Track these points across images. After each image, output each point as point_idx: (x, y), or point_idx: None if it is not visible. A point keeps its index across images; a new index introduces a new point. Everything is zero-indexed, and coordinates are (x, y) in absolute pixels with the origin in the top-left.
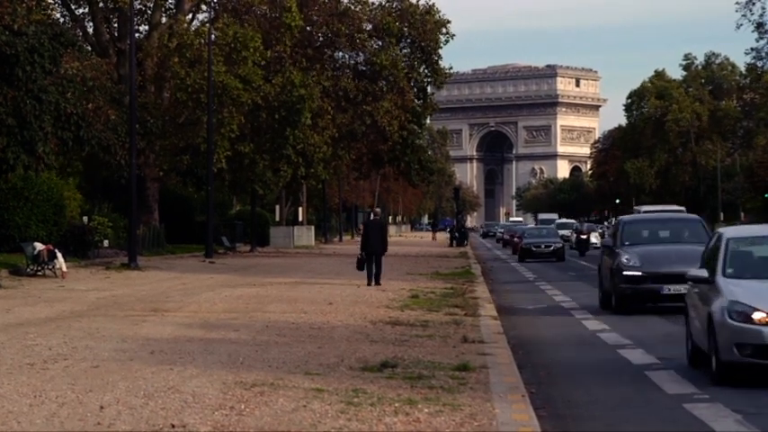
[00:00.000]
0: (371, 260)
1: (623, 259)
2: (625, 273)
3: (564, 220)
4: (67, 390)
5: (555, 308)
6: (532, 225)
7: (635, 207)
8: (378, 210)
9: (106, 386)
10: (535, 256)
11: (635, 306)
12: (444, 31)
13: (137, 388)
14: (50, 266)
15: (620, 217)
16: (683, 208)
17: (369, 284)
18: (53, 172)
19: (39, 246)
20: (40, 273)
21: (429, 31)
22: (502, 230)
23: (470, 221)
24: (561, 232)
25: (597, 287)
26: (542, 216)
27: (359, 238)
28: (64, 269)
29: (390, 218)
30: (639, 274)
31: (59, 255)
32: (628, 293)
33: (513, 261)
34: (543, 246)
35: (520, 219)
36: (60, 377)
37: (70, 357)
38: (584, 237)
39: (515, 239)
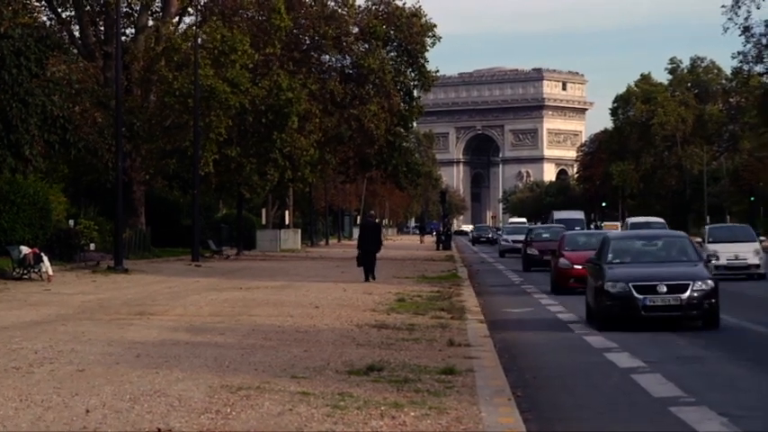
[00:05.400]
0: (367, 257)
1: None
2: None
3: (639, 219)
4: (53, 393)
5: None
6: (538, 227)
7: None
8: (372, 213)
9: (92, 390)
10: (647, 318)
11: None
12: (431, 34)
13: (122, 391)
14: (36, 270)
15: None
16: None
17: (366, 280)
18: (39, 175)
19: (24, 249)
20: (25, 276)
21: (415, 34)
22: (512, 238)
23: (457, 224)
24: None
25: None
26: (560, 215)
27: (345, 242)
28: (50, 272)
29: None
30: None
31: (45, 258)
32: None
33: (578, 326)
34: (665, 286)
35: (523, 219)
36: (46, 381)
37: (56, 361)
38: None
39: (561, 260)
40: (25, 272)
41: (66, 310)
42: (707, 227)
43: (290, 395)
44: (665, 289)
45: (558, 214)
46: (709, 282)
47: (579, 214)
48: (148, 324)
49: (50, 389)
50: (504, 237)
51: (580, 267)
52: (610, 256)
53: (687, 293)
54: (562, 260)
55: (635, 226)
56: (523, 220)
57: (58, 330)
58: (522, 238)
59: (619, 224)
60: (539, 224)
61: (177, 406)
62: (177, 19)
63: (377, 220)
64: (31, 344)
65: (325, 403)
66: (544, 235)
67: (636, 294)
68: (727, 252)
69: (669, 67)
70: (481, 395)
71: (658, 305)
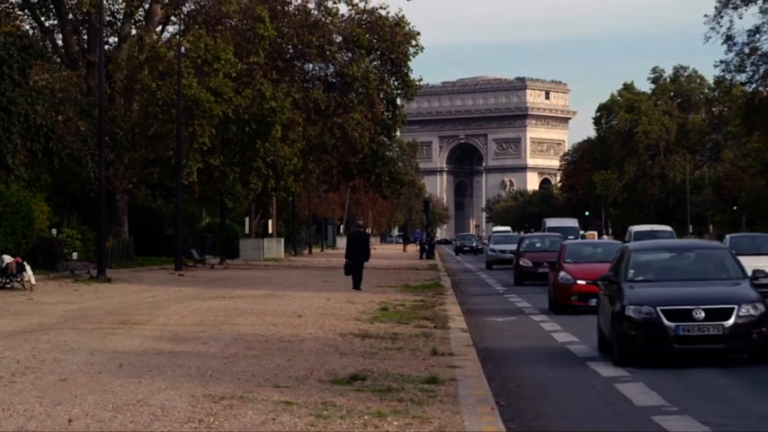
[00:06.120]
0: (355, 267)
1: None
2: None
3: (644, 227)
4: (35, 403)
5: None
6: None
7: None
8: (361, 222)
9: (74, 399)
10: (681, 352)
11: None
12: (414, 43)
13: (105, 401)
14: (19, 279)
15: None
16: None
17: (354, 288)
18: (21, 184)
19: (7, 258)
20: (8, 285)
21: (399, 43)
22: (501, 248)
23: (440, 233)
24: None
25: None
26: (552, 223)
27: (329, 251)
28: (32, 282)
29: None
30: None
31: (28, 267)
32: None
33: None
34: (703, 311)
35: (507, 228)
36: (28, 390)
37: (38, 370)
38: None
39: (561, 274)
40: (7, 281)
41: (48, 320)
42: (728, 236)
43: (273, 404)
44: (702, 315)
45: (549, 222)
46: (759, 306)
47: (573, 222)
48: (131, 333)
49: (33, 398)
50: (492, 246)
51: (584, 283)
52: (630, 272)
53: (731, 320)
54: (563, 274)
55: (640, 235)
56: (508, 228)
57: (40, 339)
58: (511, 247)
59: (595, 233)
60: (524, 233)
61: (160, 415)
62: (160, 28)
63: (365, 230)
64: (14, 353)
65: (308, 413)
66: (538, 245)
67: (666, 322)
68: (749, 266)
69: (652, 76)
70: (464, 404)
71: (695, 335)
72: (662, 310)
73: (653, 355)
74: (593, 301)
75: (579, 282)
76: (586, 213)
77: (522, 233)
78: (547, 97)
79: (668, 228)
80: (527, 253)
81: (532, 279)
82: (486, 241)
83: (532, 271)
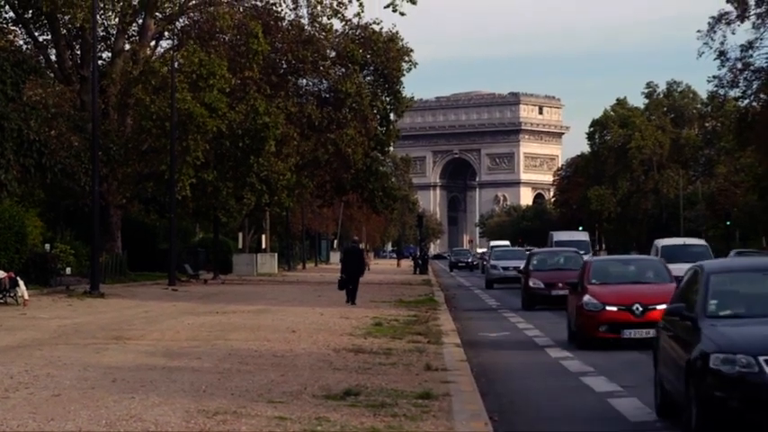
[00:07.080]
0: (350, 282)
1: None
2: None
3: (674, 241)
4: (29, 419)
5: None
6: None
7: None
8: (356, 238)
9: (68, 415)
10: None
11: None
12: (407, 58)
13: (99, 417)
14: (12, 294)
15: None
16: None
17: (348, 302)
18: (14, 200)
19: (0, 273)
20: (1, 301)
21: (392, 58)
22: (503, 264)
23: (434, 249)
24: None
25: None
26: (560, 237)
27: (322, 266)
28: (26, 297)
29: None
30: None
31: (21, 282)
32: None
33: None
34: None
35: (507, 242)
36: (21, 406)
37: (32, 386)
38: None
39: (585, 298)
40: (1, 296)
41: (41, 335)
42: None
43: (266, 420)
44: None
45: (557, 235)
46: None
47: (584, 236)
48: (125, 348)
49: (26, 414)
50: (493, 263)
51: (615, 309)
52: (712, 303)
53: None
54: (588, 298)
55: (669, 250)
56: (507, 243)
57: (33, 355)
58: (515, 264)
59: None
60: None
61: (154, 431)
62: (154, 43)
63: (360, 246)
64: (7, 368)
65: (302, 428)
66: (550, 261)
67: None
68: None
69: (646, 91)
70: (458, 419)
71: None
72: (767, 361)
73: (754, 425)
74: (628, 333)
75: (609, 308)
76: (580, 228)
77: (525, 248)
78: (540, 112)
79: (702, 242)
80: (537, 272)
81: (544, 303)
82: (486, 257)
83: (545, 293)
